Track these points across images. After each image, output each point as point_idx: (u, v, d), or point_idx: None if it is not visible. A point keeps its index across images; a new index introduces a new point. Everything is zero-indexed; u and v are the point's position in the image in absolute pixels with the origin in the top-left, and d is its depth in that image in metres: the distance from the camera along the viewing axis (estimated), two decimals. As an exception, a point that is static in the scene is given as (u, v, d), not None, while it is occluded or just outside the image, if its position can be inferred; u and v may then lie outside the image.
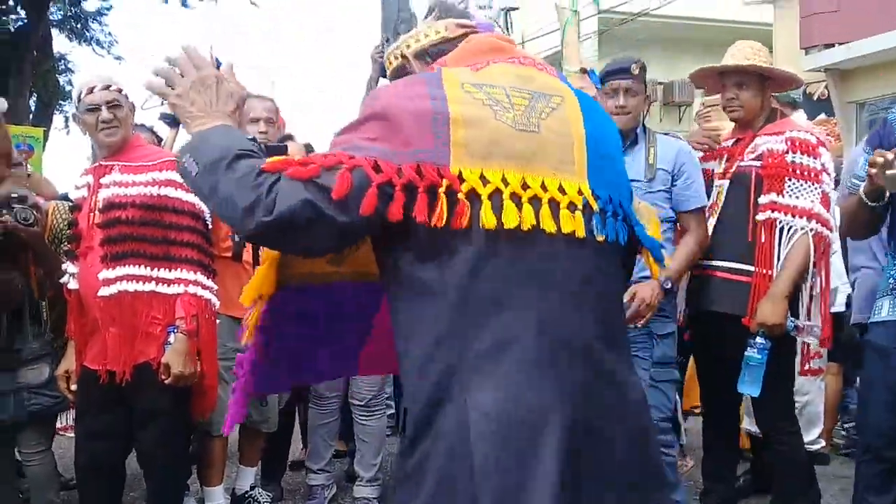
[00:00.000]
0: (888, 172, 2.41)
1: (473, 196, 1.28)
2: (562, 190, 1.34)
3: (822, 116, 5.64)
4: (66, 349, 3.05)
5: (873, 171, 2.43)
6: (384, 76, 3.44)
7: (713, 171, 3.19)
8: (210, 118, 1.44)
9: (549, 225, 1.32)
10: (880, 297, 2.71)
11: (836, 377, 4.50)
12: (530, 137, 1.35)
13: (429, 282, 1.32)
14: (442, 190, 1.27)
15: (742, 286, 2.98)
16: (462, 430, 1.26)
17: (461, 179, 1.28)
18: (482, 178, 1.29)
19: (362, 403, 3.71)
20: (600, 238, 1.38)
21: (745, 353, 2.87)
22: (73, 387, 2.96)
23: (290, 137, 3.96)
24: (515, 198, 1.30)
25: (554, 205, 1.33)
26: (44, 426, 3.30)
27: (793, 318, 2.89)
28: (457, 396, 1.28)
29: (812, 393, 3.96)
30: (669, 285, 3.11)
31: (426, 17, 1.54)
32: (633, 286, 3.01)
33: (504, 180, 1.30)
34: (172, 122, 3.81)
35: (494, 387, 1.27)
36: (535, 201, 1.32)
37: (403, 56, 1.53)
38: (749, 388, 2.89)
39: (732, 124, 3.23)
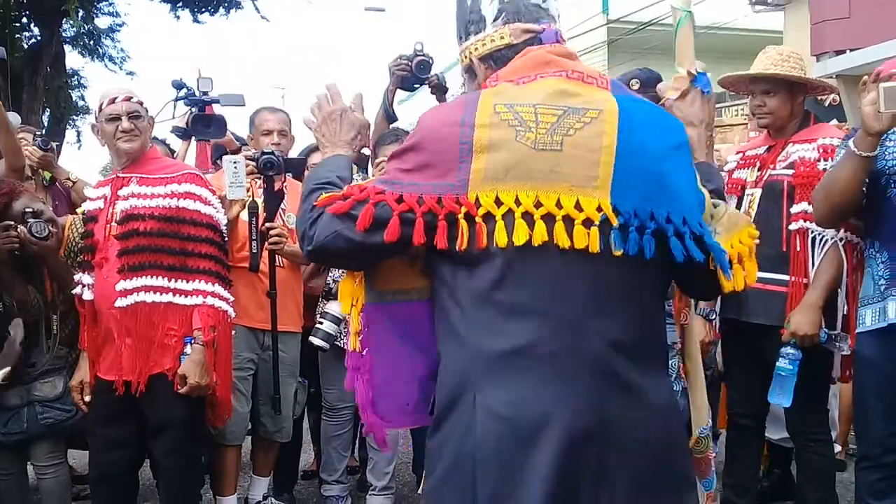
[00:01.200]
0: (884, 85, 2.32)
1: (489, 217, 1.39)
2: (578, 206, 1.39)
3: (834, 122, 5.61)
4: (80, 361, 3.06)
5: (866, 101, 2.37)
6: (402, 87, 3.46)
7: (745, 180, 3.14)
8: (332, 147, 1.72)
9: (562, 240, 1.38)
10: (862, 306, 2.67)
11: (850, 383, 4.46)
12: (550, 156, 1.41)
13: (457, 292, 1.45)
14: (461, 216, 1.40)
15: (777, 296, 2.94)
16: (470, 427, 1.39)
17: (478, 204, 1.39)
18: (497, 200, 1.39)
19: (375, 413, 3.70)
20: (617, 252, 1.40)
21: (776, 364, 2.85)
22: (88, 398, 2.97)
23: (316, 149, 4.03)
24: (528, 216, 1.38)
25: (569, 221, 1.39)
26: (57, 439, 3.30)
27: (826, 329, 2.85)
28: (468, 396, 1.41)
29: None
30: (714, 316, 3.12)
31: (494, 21, 1.60)
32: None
33: (517, 200, 1.39)
34: (184, 134, 3.84)
35: (503, 390, 1.38)
36: (549, 218, 1.39)
37: (471, 58, 1.63)
38: (780, 398, 2.87)
39: (731, 146, 3.21)
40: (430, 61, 3.32)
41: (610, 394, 1.39)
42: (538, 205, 1.38)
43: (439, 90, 3.38)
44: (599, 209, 1.39)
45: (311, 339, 3.49)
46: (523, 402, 1.37)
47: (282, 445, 3.74)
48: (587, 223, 1.38)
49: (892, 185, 2.55)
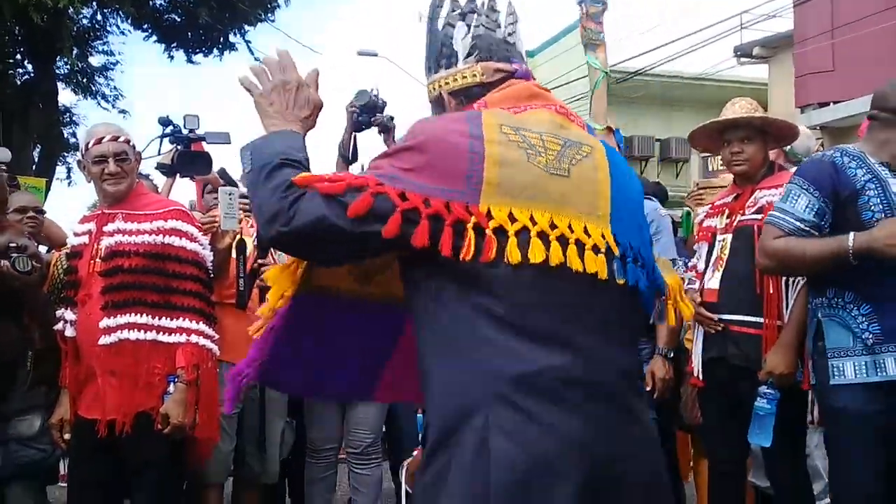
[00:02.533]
0: None
1: (500, 232, 1.35)
2: (587, 232, 1.41)
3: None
4: (60, 398, 3.00)
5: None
6: (357, 130, 3.71)
7: (716, 227, 3.18)
8: (283, 121, 1.53)
9: (575, 263, 1.37)
10: (836, 358, 2.56)
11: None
12: (561, 181, 1.43)
13: (462, 306, 1.37)
14: (469, 225, 1.34)
15: (753, 338, 2.96)
16: (482, 447, 1.31)
17: (489, 216, 1.35)
18: (510, 215, 1.36)
19: (358, 451, 3.65)
20: (620, 281, 1.43)
21: (755, 404, 2.85)
22: (67, 436, 2.92)
23: None
24: (543, 236, 1.36)
25: (580, 245, 1.39)
26: (33, 479, 3.23)
27: (802, 369, 2.85)
28: (478, 418, 1.32)
29: (809, 447, 3.89)
30: (672, 354, 3.15)
31: (467, 57, 1.61)
32: (647, 367, 3.20)
33: (532, 219, 1.37)
34: (168, 171, 3.83)
35: (522, 415, 1.32)
36: (563, 240, 1.38)
37: (440, 91, 1.64)
38: (759, 438, 2.86)
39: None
40: (380, 103, 3.56)
41: (624, 425, 1.41)
42: (553, 226, 1.37)
43: (385, 131, 3.59)
44: (603, 237, 1.42)
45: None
46: (545, 428, 1.32)
47: (265, 488, 3.67)
48: (595, 249, 1.40)
49: None
